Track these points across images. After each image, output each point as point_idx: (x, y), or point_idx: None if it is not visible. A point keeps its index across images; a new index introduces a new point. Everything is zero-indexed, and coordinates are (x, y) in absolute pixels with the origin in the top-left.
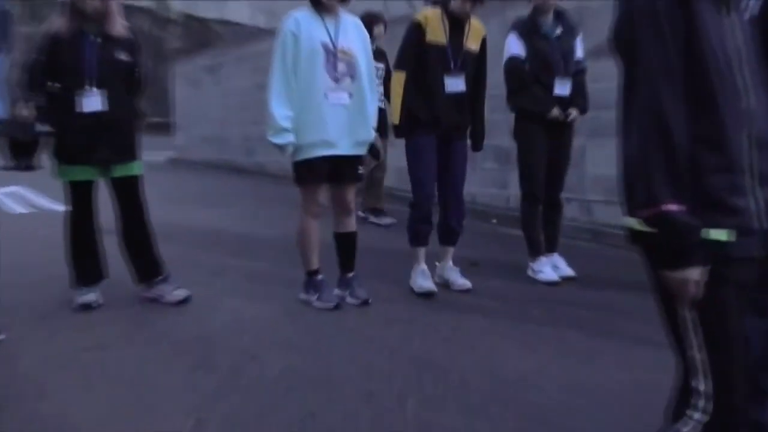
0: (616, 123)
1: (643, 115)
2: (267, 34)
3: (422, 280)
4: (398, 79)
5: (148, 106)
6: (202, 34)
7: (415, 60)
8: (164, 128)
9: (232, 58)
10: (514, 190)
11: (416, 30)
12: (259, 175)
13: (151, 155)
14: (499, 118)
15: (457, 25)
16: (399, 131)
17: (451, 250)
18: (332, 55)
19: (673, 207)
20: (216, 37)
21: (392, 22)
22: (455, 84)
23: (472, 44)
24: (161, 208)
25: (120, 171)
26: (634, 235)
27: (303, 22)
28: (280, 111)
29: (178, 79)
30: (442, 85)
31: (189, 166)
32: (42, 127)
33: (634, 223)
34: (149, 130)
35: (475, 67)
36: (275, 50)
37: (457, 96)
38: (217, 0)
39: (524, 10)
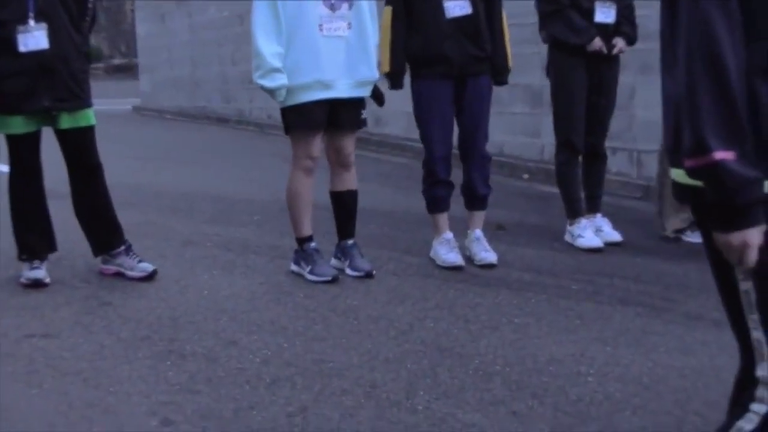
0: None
1: (689, 44)
2: None
3: (446, 251)
4: (385, 15)
5: (107, 46)
6: None
7: None
8: (126, 71)
9: None
10: (549, 139)
11: None
12: (240, 124)
13: (112, 103)
14: (530, 51)
15: None
16: (393, 79)
17: (477, 215)
18: None
19: (726, 155)
20: None
21: None
22: (457, 6)
23: None
24: (124, 167)
25: (67, 122)
26: (680, 190)
27: None
28: (269, 48)
29: (140, 12)
30: (441, 10)
31: (156, 115)
32: None
33: (680, 175)
34: (109, 74)
35: None
36: None
37: (462, 21)
38: None
39: None
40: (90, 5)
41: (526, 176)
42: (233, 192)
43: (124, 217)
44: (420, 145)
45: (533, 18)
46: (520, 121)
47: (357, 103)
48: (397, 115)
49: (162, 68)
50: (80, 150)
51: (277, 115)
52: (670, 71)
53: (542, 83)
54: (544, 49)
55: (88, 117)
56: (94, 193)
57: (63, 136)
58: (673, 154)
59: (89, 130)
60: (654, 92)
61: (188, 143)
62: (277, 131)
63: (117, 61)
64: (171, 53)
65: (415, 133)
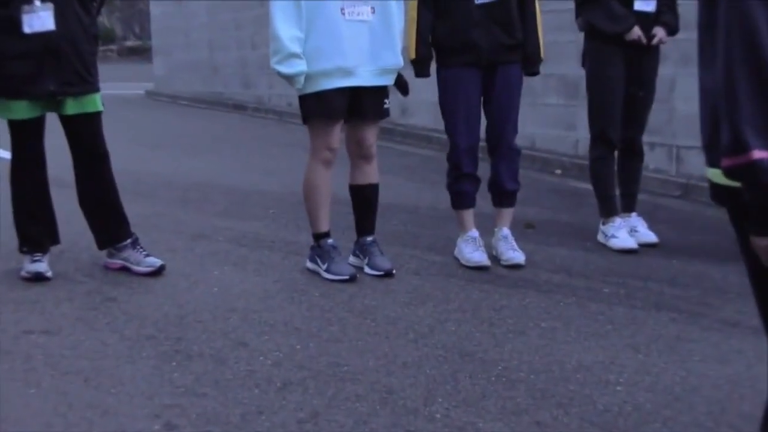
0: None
1: (729, 37)
2: None
3: (470, 250)
4: (411, 3)
5: (120, 27)
6: None
7: None
8: (140, 53)
9: None
10: (583, 133)
11: None
12: (259, 112)
13: (124, 87)
14: (565, 39)
15: None
16: (420, 67)
17: (504, 213)
18: None
19: (766, 155)
20: None
21: None
22: None
23: None
24: (133, 154)
25: (73, 107)
26: (717, 191)
27: None
28: (288, 31)
29: None
30: None
31: (170, 100)
32: None
33: (716, 175)
34: (122, 57)
35: None
36: None
37: (492, 7)
38: None
39: None
40: None
41: (558, 172)
42: (248, 183)
43: (131, 208)
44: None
45: (569, 4)
46: (553, 113)
47: (380, 92)
48: (423, 105)
49: (177, 51)
50: (86, 137)
51: (298, 103)
52: (708, 65)
53: (578, 74)
54: (580, 37)
55: (95, 102)
56: (100, 182)
57: (68, 122)
58: (709, 152)
59: (96, 117)
60: (695, 85)
61: (203, 131)
62: (296, 120)
63: (130, 42)
64: (187, 35)
65: (441, 124)
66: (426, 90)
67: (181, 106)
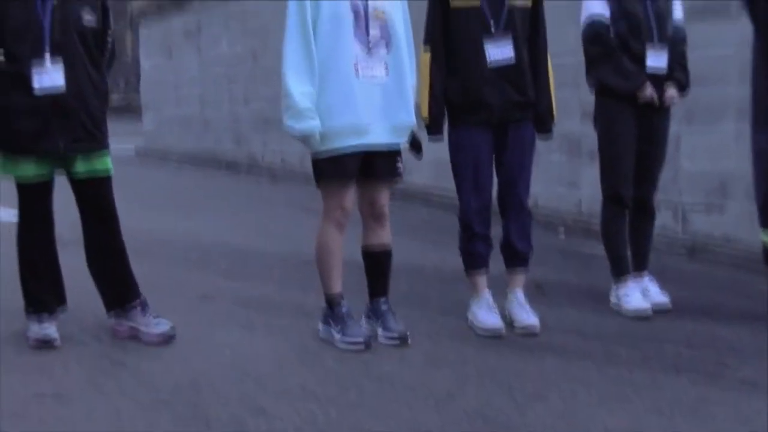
0: (722, 104)
1: None
2: None
3: (485, 314)
4: (424, 59)
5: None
6: None
7: (443, 30)
8: (128, 110)
9: (215, 17)
10: (587, 191)
11: None
12: (253, 169)
13: (113, 144)
14: (567, 95)
15: None
16: (432, 126)
17: (517, 274)
18: (363, 15)
19: None
20: None
21: None
22: (500, 51)
23: None
24: (129, 214)
25: (83, 167)
26: None
27: None
28: (301, 88)
29: (145, 46)
30: (483, 54)
31: (161, 157)
32: None
33: None
34: (109, 113)
35: (528, 24)
36: (290, 9)
37: (505, 67)
38: None
39: None
40: (109, 39)
41: (562, 230)
42: (248, 243)
43: (132, 268)
44: (450, 197)
45: (572, 58)
46: (556, 170)
47: (393, 152)
48: (424, 164)
49: (168, 106)
50: (96, 200)
51: (292, 160)
52: (763, 127)
53: (581, 130)
54: (583, 93)
55: (105, 162)
56: (109, 245)
57: (78, 184)
58: (764, 213)
59: (106, 180)
60: (700, 142)
61: (196, 189)
62: (290, 179)
63: (115, 96)
64: (178, 90)
65: (444, 183)
66: (427, 148)
67: (172, 163)
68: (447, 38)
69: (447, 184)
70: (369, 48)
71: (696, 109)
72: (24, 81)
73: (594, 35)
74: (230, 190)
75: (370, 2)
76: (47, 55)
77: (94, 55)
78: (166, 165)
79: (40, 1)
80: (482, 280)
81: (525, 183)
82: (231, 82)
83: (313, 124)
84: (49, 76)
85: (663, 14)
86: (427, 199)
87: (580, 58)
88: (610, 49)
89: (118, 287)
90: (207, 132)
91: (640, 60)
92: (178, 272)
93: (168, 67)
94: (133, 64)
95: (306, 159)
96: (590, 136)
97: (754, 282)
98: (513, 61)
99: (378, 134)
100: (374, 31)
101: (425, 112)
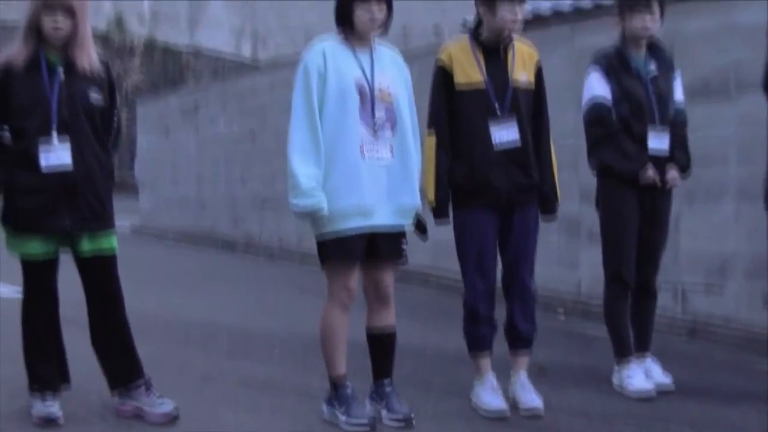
0: (722, 184)
1: None
2: (252, 68)
3: (489, 396)
4: (429, 143)
5: None
6: (171, 66)
7: (447, 112)
8: (124, 187)
9: (212, 96)
10: (586, 272)
11: (440, 74)
12: (250, 249)
13: None
14: (565, 176)
15: (495, 53)
16: (439, 210)
17: (521, 357)
18: (368, 97)
19: None
20: (188, 70)
21: (413, 57)
22: (505, 133)
23: (522, 75)
24: (129, 292)
25: (89, 245)
26: None
27: (331, 54)
28: (306, 169)
29: (143, 124)
30: (488, 136)
31: (157, 236)
32: None
33: None
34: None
35: (532, 105)
36: (296, 90)
37: (511, 149)
38: (189, 23)
39: (598, 37)
40: (115, 117)
41: (561, 311)
42: (248, 323)
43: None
44: (448, 277)
45: (571, 140)
46: (555, 251)
47: (397, 234)
48: (420, 244)
49: (164, 185)
50: (101, 279)
51: (289, 240)
52: None
53: (580, 211)
54: (582, 174)
55: (111, 241)
56: (114, 324)
57: (83, 263)
58: None
59: (111, 259)
60: (700, 222)
61: (195, 268)
62: (288, 259)
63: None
64: (175, 169)
65: (442, 264)
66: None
67: (169, 242)
68: (451, 120)
69: (445, 264)
70: (375, 130)
71: (696, 189)
72: (31, 158)
73: (596, 117)
74: (228, 269)
75: (375, 82)
76: (54, 133)
77: (101, 134)
78: (162, 243)
79: (48, 78)
80: (486, 362)
81: (530, 265)
82: (229, 161)
83: (319, 200)
84: (56, 153)
85: (664, 96)
86: (426, 279)
87: (579, 140)
88: (612, 131)
89: (123, 366)
90: (204, 211)
91: (642, 141)
92: (181, 352)
93: (165, 146)
94: (126, 142)
95: (303, 238)
96: (589, 217)
97: (755, 362)
98: (518, 144)
99: (383, 216)
100: (380, 113)
101: (431, 196)
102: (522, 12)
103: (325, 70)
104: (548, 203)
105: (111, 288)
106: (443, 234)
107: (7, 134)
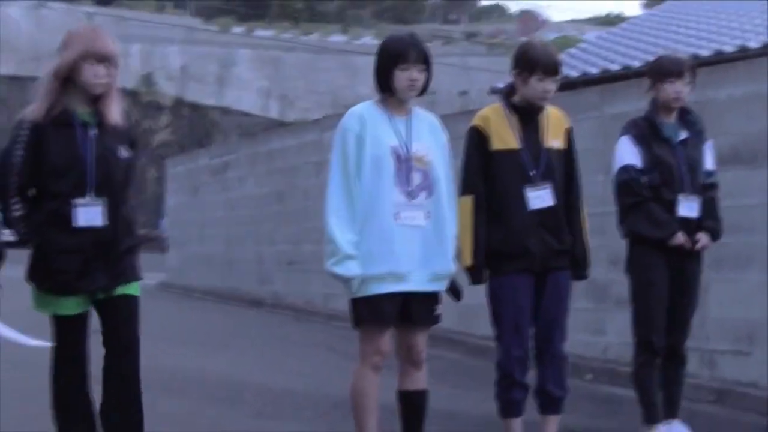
0: (750, 252)
1: None
2: (279, 124)
3: None
4: (464, 206)
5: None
6: (198, 124)
7: (483, 176)
8: (152, 244)
9: (241, 157)
10: (613, 338)
11: (476, 138)
12: (277, 308)
13: None
14: (593, 242)
15: (529, 118)
16: (475, 274)
17: (551, 421)
18: (404, 162)
19: None
20: (216, 129)
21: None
22: (541, 197)
23: (555, 140)
24: (155, 350)
25: (118, 291)
26: None
27: (369, 119)
28: (344, 235)
29: (172, 183)
30: (523, 201)
31: (184, 293)
32: (4, 236)
33: None
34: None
35: (564, 169)
36: (334, 155)
37: (545, 214)
38: (217, 82)
39: (626, 105)
40: (137, 175)
41: (589, 376)
42: (276, 382)
43: (161, 406)
44: (472, 342)
45: (599, 207)
46: (582, 317)
47: (431, 298)
48: (446, 307)
49: (192, 243)
50: (123, 318)
51: (316, 300)
52: None
53: (606, 278)
54: (610, 240)
55: (136, 288)
56: (127, 362)
57: (106, 304)
58: None
59: (135, 299)
60: (728, 289)
61: (221, 326)
62: (314, 318)
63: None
64: (203, 228)
65: (468, 327)
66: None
67: (196, 299)
68: (486, 182)
69: (471, 328)
70: (410, 195)
71: (724, 257)
72: (63, 219)
73: (627, 185)
74: (254, 328)
75: (412, 148)
76: (90, 195)
77: (127, 190)
78: (189, 300)
79: (81, 136)
80: (518, 427)
81: (562, 329)
82: (256, 222)
83: (355, 271)
84: (90, 213)
85: (695, 163)
86: (452, 342)
87: (607, 206)
88: (642, 199)
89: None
90: (231, 270)
91: (672, 209)
92: (210, 411)
93: (193, 205)
94: (153, 199)
95: (329, 299)
96: (617, 283)
97: None
98: (552, 208)
99: (417, 282)
100: (416, 178)
101: (467, 260)
102: (556, 85)
103: (363, 134)
104: (581, 267)
105: (130, 327)
106: (469, 296)
107: (32, 193)
